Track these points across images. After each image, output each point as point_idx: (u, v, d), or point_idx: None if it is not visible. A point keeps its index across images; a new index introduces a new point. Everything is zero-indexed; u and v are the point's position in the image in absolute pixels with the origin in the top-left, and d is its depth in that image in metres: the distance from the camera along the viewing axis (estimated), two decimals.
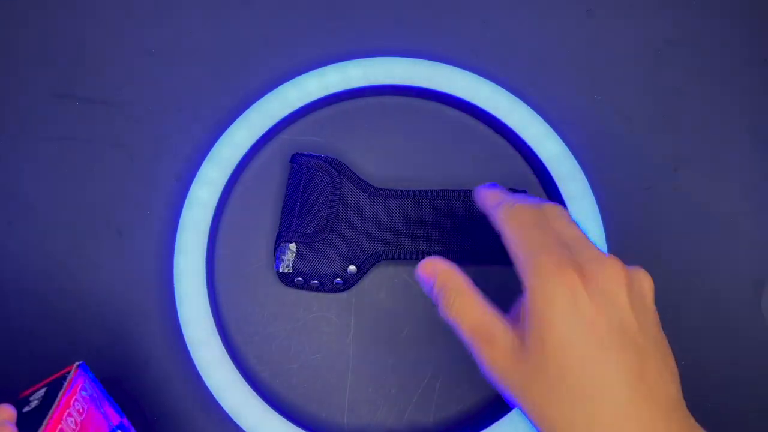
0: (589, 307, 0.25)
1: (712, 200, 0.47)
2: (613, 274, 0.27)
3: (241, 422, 0.41)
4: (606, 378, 0.24)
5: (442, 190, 0.44)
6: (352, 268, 0.43)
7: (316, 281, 0.43)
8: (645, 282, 0.29)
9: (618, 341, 0.25)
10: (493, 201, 0.33)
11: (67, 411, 0.34)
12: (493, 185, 0.34)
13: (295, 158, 0.44)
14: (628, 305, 0.26)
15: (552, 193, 0.45)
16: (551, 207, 0.30)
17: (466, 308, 0.29)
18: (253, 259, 0.45)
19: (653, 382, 0.25)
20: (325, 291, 0.44)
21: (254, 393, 0.41)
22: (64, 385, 0.35)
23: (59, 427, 0.32)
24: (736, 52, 0.49)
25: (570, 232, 0.29)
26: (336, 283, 0.43)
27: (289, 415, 0.43)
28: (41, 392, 0.36)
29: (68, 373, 0.36)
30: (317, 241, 0.43)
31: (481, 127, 0.47)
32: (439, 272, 0.31)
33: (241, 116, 0.44)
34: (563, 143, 0.45)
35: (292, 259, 0.43)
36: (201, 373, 0.41)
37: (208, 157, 0.44)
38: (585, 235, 0.29)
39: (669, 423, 0.25)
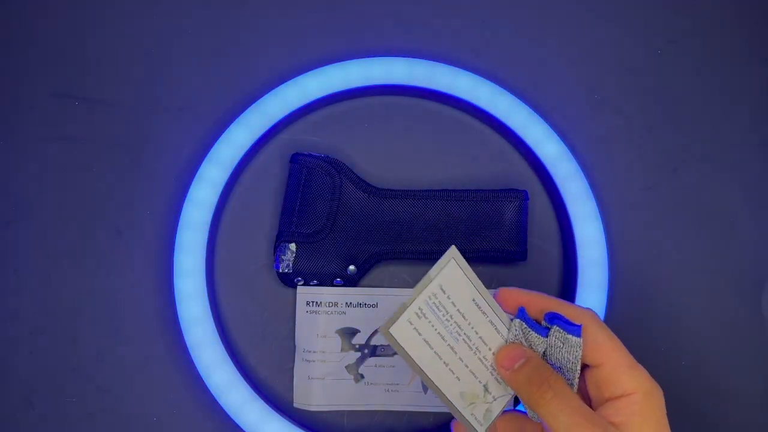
0: None
1: (712, 200, 0.47)
2: None
3: (241, 422, 0.41)
4: None
5: (442, 190, 0.44)
6: (352, 268, 0.43)
7: (315, 281, 0.43)
8: None
9: None
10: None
11: None
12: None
13: (294, 158, 0.44)
14: None
15: (552, 193, 0.45)
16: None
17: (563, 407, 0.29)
18: (253, 259, 0.45)
19: None
20: None
21: (254, 393, 0.41)
22: None
23: None
24: (736, 52, 0.49)
25: None
26: (336, 283, 0.43)
27: (289, 415, 0.43)
28: None
29: None
30: (317, 241, 0.43)
31: (481, 127, 0.47)
32: (528, 359, 0.30)
33: (240, 116, 0.44)
34: (563, 143, 0.45)
35: (292, 259, 0.43)
36: (201, 373, 0.41)
37: (208, 157, 0.44)
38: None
39: None
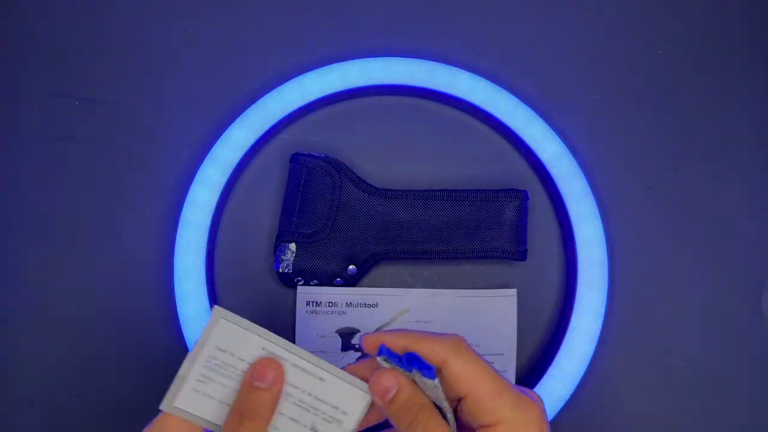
0: None
1: (712, 200, 0.47)
2: None
3: None
4: None
5: (442, 190, 0.44)
6: (352, 267, 0.43)
7: (315, 281, 0.43)
8: None
9: None
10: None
11: None
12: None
13: (294, 158, 0.44)
14: None
15: (552, 193, 0.45)
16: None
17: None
18: (253, 259, 0.45)
19: None
20: None
21: None
22: None
23: None
24: (736, 52, 0.49)
25: None
26: (336, 283, 0.43)
27: None
28: None
29: None
30: (317, 241, 0.43)
31: (481, 127, 0.47)
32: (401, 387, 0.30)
33: (241, 116, 0.44)
34: (563, 143, 0.45)
35: (292, 259, 0.43)
36: None
37: (208, 157, 0.44)
38: None
39: None
